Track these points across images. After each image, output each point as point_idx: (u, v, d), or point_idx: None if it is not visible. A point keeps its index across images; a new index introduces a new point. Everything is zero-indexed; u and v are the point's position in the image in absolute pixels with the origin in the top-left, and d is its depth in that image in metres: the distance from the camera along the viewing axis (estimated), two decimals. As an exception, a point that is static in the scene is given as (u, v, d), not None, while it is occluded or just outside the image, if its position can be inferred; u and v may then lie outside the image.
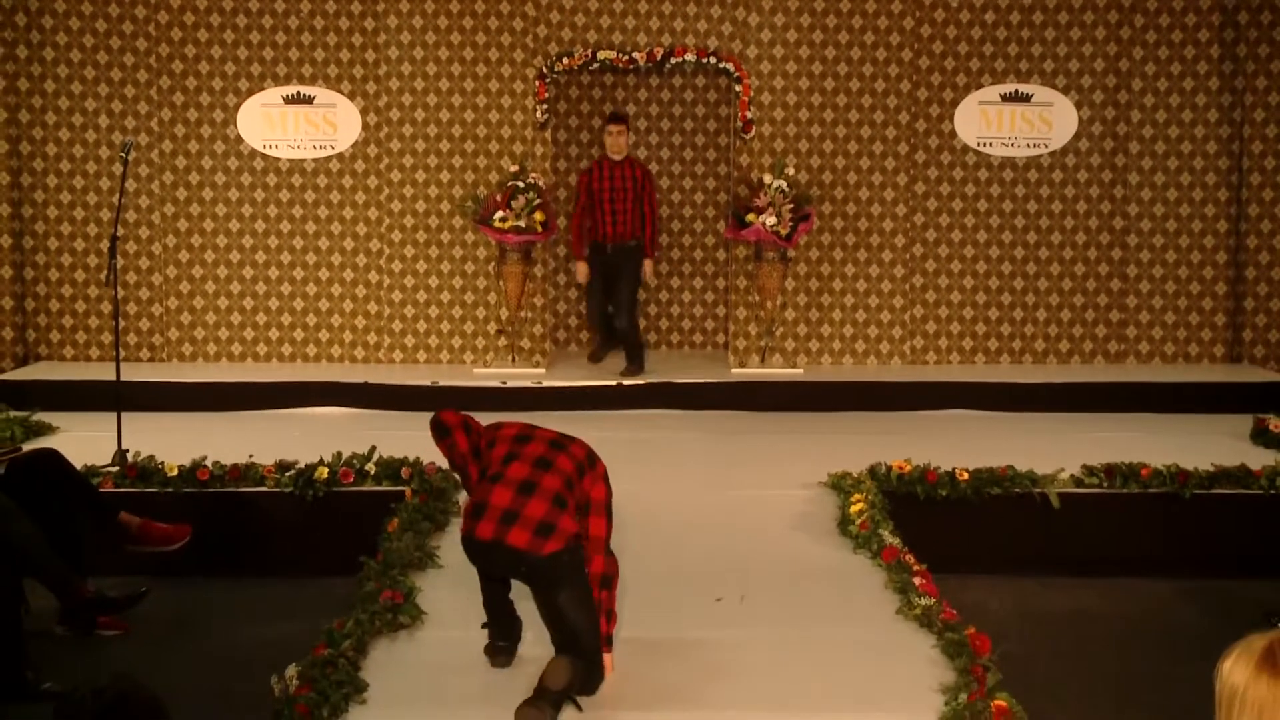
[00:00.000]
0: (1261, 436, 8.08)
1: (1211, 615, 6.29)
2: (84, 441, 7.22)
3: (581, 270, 9.74)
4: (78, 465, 6.18)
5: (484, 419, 5.00)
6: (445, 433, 4.80)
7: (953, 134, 9.98)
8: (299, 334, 9.96)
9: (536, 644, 4.80)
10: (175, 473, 6.78)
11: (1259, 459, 7.36)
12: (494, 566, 4.57)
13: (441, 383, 9.18)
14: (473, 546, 4.51)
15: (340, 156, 9.85)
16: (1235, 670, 2.04)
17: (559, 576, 4.44)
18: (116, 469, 6.85)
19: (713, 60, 9.76)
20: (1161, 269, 10.08)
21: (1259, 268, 10.05)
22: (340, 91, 9.79)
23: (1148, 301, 10.11)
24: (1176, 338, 10.13)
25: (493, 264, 9.71)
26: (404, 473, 6.87)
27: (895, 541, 6.02)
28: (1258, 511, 6.96)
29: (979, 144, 9.99)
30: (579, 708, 4.39)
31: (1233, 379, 9.60)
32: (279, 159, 9.83)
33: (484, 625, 4.84)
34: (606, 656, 4.62)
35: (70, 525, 5.80)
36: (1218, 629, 5.89)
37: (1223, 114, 9.98)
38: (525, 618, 4.84)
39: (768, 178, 9.54)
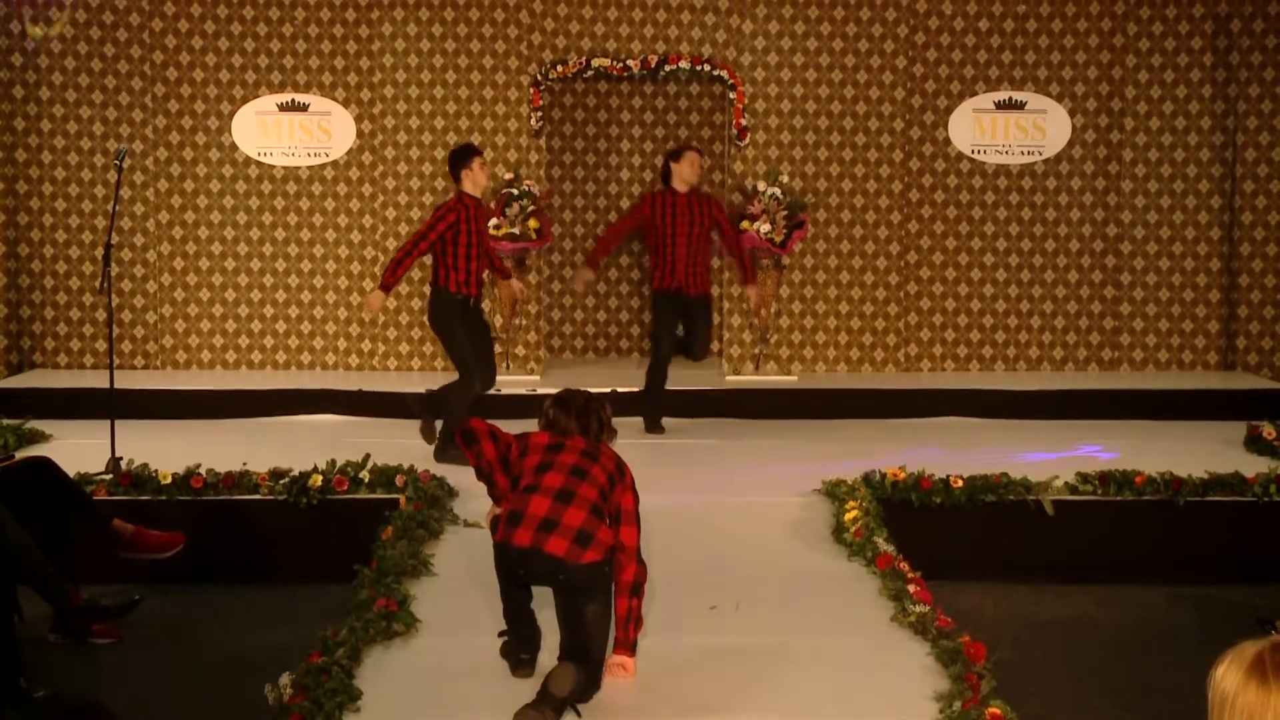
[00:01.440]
0: (1255, 444, 8.08)
1: (1206, 622, 6.30)
2: (78, 449, 7.22)
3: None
4: (71, 473, 6.17)
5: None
6: (473, 440, 4.77)
7: (947, 141, 9.99)
8: (293, 341, 9.96)
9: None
10: (169, 480, 6.76)
11: (1253, 466, 7.36)
12: (529, 575, 4.56)
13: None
14: (508, 554, 4.51)
15: (335, 164, 9.85)
16: (1226, 677, 2.05)
17: (593, 587, 4.46)
18: (110, 476, 6.84)
19: (707, 68, 9.76)
20: (1155, 276, 10.10)
21: (1252, 275, 10.06)
22: (335, 99, 9.79)
23: (1141, 308, 10.12)
24: (1170, 345, 10.15)
25: (487, 271, 9.68)
26: (398, 480, 6.86)
27: (889, 549, 6.02)
28: (1251, 518, 6.96)
29: (973, 151, 10.01)
30: (578, 714, 4.39)
31: (1226, 386, 9.61)
32: (273, 166, 9.83)
33: (501, 634, 4.83)
34: (629, 661, 4.68)
35: (63, 533, 5.80)
36: (1212, 635, 5.88)
37: (1216, 121, 10.00)
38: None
39: (762, 185, 9.55)
